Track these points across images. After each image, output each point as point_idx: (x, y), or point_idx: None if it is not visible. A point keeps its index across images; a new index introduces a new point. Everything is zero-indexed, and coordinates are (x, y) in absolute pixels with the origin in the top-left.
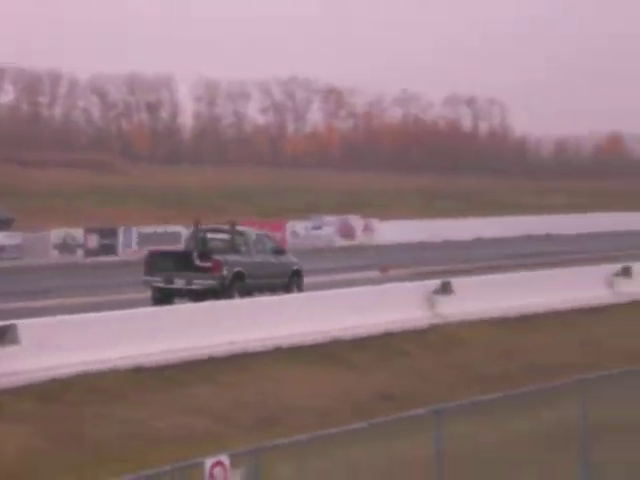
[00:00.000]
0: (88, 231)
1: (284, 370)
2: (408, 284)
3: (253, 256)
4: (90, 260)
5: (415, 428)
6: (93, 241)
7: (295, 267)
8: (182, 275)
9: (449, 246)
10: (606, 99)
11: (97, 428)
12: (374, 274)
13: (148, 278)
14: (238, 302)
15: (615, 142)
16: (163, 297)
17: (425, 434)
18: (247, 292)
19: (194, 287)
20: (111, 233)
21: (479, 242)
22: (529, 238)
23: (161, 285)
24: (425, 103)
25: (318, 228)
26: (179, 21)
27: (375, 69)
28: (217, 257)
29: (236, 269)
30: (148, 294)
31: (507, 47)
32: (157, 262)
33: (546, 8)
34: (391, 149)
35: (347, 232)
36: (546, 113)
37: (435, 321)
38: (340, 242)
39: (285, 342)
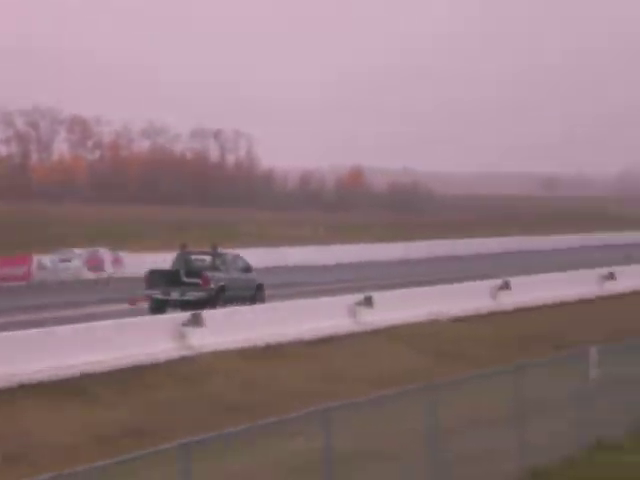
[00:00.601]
0: None
1: (30, 407)
2: (159, 316)
3: (230, 273)
4: None
5: (161, 462)
6: None
7: (258, 282)
8: (177, 289)
9: None
10: (347, 134)
11: None
12: (123, 307)
13: (149, 291)
14: None
15: (356, 175)
16: (159, 307)
17: (171, 468)
18: (227, 302)
19: (187, 298)
20: None
21: None
22: (277, 269)
23: (160, 297)
24: (172, 135)
25: (66, 261)
26: None
27: (120, 99)
28: (206, 274)
29: (220, 283)
30: None
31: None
32: (155, 278)
33: None
34: (140, 180)
35: (96, 265)
36: (293, 146)
37: (185, 353)
38: (89, 275)
39: (30, 378)
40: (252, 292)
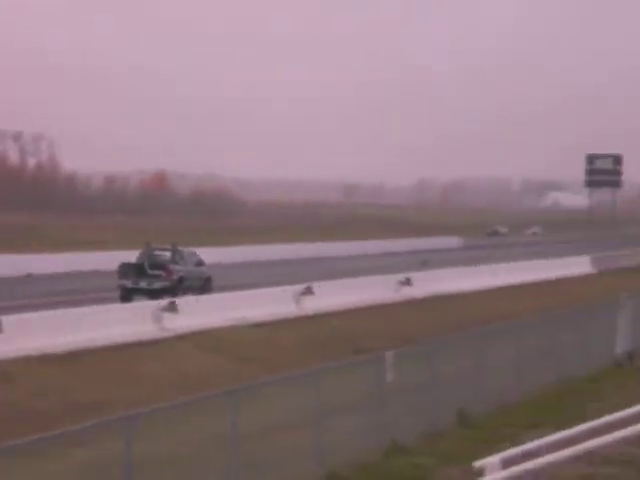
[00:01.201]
0: None
1: None
2: None
3: (187, 266)
4: None
5: None
6: None
7: (207, 274)
8: (144, 279)
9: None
10: (155, 136)
11: None
12: None
13: (121, 281)
14: None
15: (160, 179)
16: (127, 295)
17: None
18: (185, 291)
19: (154, 287)
20: None
21: (30, 279)
22: (78, 274)
23: (130, 286)
24: None
25: None
26: None
27: None
28: (170, 266)
29: (180, 275)
30: None
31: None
32: (126, 270)
33: None
34: None
35: None
36: (96, 149)
37: None
38: None
39: None
40: (202, 283)
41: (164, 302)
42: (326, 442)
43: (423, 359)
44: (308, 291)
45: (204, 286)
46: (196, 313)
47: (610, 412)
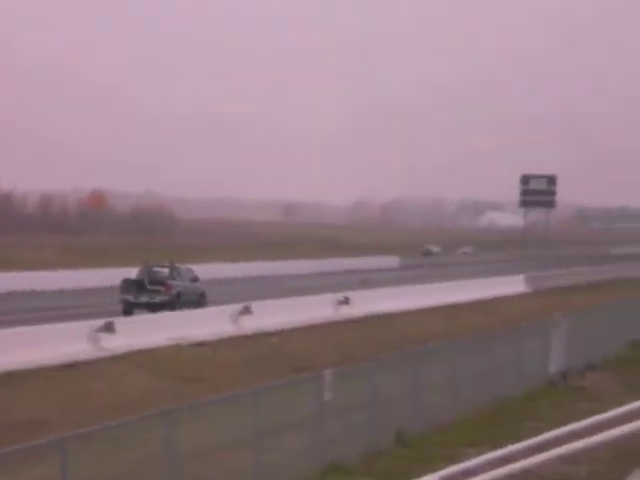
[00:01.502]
0: None
1: None
2: None
3: (184, 282)
4: None
5: None
6: None
7: (202, 290)
8: (145, 294)
9: None
10: (90, 156)
11: None
12: None
13: (123, 296)
14: None
15: (98, 198)
16: (129, 309)
17: None
18: (182, 305)
19: (155, 301)
20: None
21: None
22: (11, 294)
23: (131, 300)
24: None
25: None
26: None
27: None
28: (169, 281)
29: (178, 290)
30: None
31: None
32: (127, 286)
33: None
34: None
35: None
36: (34, 167)
37: None
38: None
39: None
40: (197, 298)
41: (100, 322)
42: (265, 462)
43: (362, 378)
44: (246, 311)
45: (199, 300)
46: (135, 333)
47: (545, 431)
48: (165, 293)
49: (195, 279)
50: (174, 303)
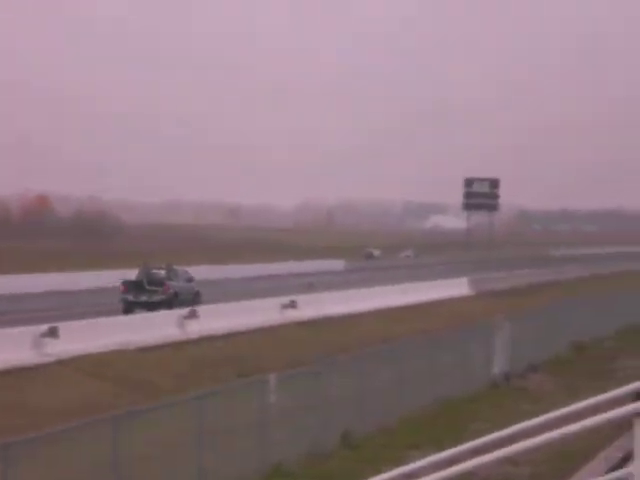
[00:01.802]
0: None
1: None
2: None
3: (180, 282)
4: None
5: None
6: None
7: (196, 289)
8: (145, 294)
9: None
10: (37, 161)
11: None
12: None
13: (124, 296)
14: None
15: (41, 202)
16: (129, 308)
17: None
18: (179, 304)
19: (154, 300)
20: None
21: None
22: None
23: (132, 299)
24: None
25: None
26: None
27: None
28: (167, 282)
29: (174, 290)
30: None
31: None
32: (129, 286)
33: None
34: None
35: None
36: None
37: None
38: None
39: None
40: (191, 297)
41: (44, 328)
42: (208, 466)
43: (307, 381)
44: (193, 315)
45: (194, 299)
46: (79, 338)
47: (487, 432)
48: (163, 293)
49: (190, 279)
50: (171, 302)
